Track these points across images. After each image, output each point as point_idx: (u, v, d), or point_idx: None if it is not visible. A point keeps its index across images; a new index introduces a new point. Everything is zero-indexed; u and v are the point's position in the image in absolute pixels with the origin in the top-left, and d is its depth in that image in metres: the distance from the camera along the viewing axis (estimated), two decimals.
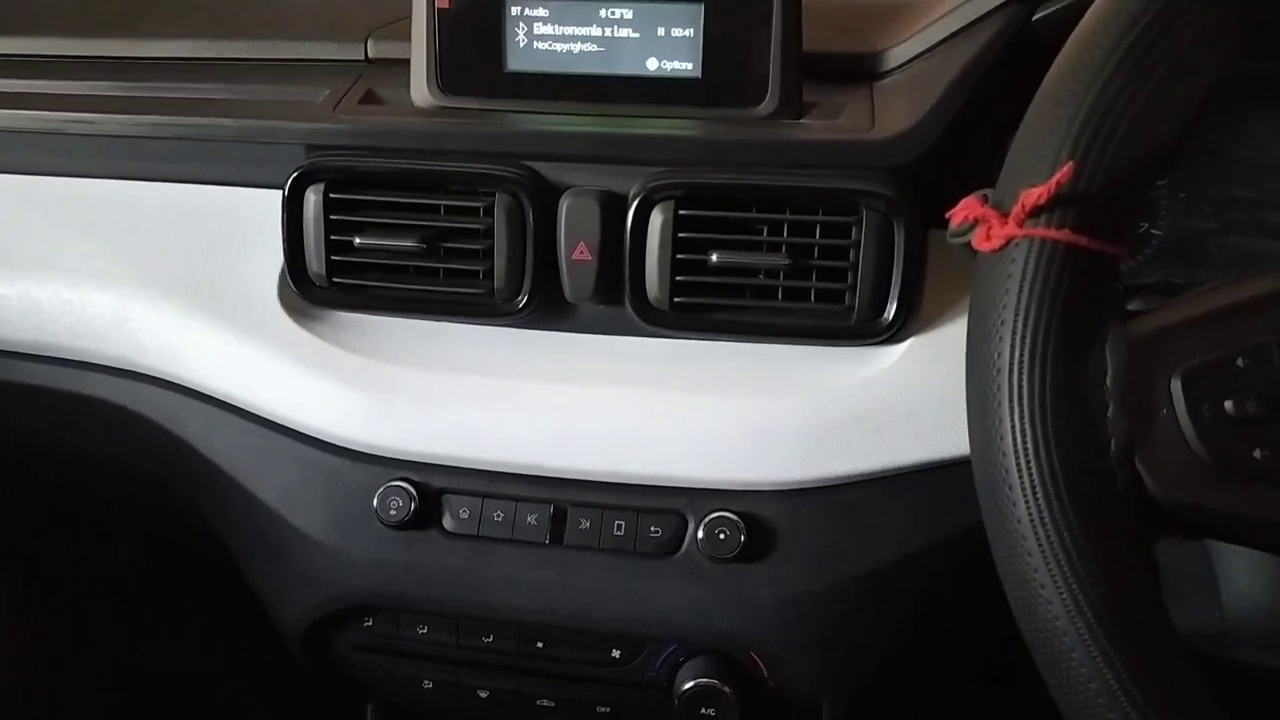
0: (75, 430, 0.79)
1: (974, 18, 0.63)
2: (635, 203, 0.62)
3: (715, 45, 0.62)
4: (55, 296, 0.70)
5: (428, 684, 0.74)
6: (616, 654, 0.69)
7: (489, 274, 0.64)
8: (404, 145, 0.64)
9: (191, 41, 0.74)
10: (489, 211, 0.63)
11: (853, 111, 0.63)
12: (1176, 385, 0.41)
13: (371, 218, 0.65)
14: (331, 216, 0.65)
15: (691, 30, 0.62)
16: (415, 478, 0.66)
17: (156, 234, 0.70)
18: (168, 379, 0.70)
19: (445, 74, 0.65)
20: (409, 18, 0.65)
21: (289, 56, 0.73)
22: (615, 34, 0.63)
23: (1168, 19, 0.41)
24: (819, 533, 0.63)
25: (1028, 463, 0.41)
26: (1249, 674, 0.80)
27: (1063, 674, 0.41)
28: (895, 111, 0.61)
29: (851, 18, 0.71)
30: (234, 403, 0.68)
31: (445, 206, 0.64)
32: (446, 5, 0.64)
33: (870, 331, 0.62)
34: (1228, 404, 0.41)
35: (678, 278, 0.62)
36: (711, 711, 0.68)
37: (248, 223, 0.69)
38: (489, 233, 0.64)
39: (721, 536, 0.63)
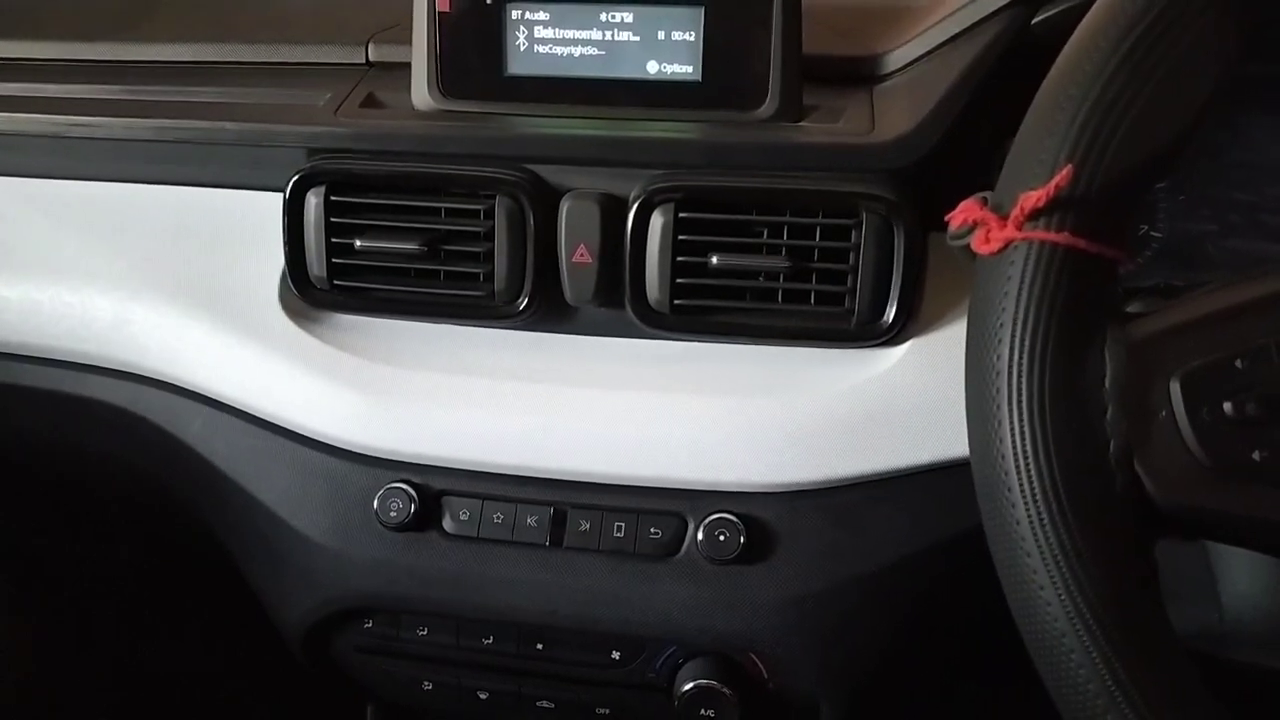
0: (76, 432, 0.79)
1: (973, 21, 0.63)
2: (635, 205, 0.62)
3: (715, 48, 0.62)
4: (57, 299, 0.71)
5: (428, 685, 0.74)
6: (616, 655, 0.69)
7: (489, 276, 0.64)
8: (405, 148, 0.65)
9: (193, 45, 0.74)
10: (490, 214, 0.64)
11: (852, 115, 0.63)
12: (1175, 387, 0.41)
13: (372, 220, 0.65)
14: (332, 219, 0.65)
15: (692, 33, 0.62)
16: (415, 479, 0.66)
17: (158, 237, 0.71)
18: (169, 381, 0.70)
19: (446, 77, 0.65)
20: (410, 21, 0.65)
21: (290, 60, 0.73)
22: (615, 37, 0.63)
23: (1167, 22, 0.41)
24: (818, 534, 0.63)
25: (1027, 465, 0.41)
26: (1248, 675, 0.81)
27: (1061, 675, 0.41)
28: (895, 115, 0.61)
29: (851, 21, 0.71)
30: (235, 405, 0.68)
31: (446, 209, 0.64)
32: (447, 9, 0.64)
33: (870, 334, 0.62)
34: (1227, 406, 0.41)
35: (678, 280, 0.62)
36: (711, 713, 0.68)
37: (249, 225, 0.69)
38: (489, 235, 0.64)
39: (721, 538, 0.63)
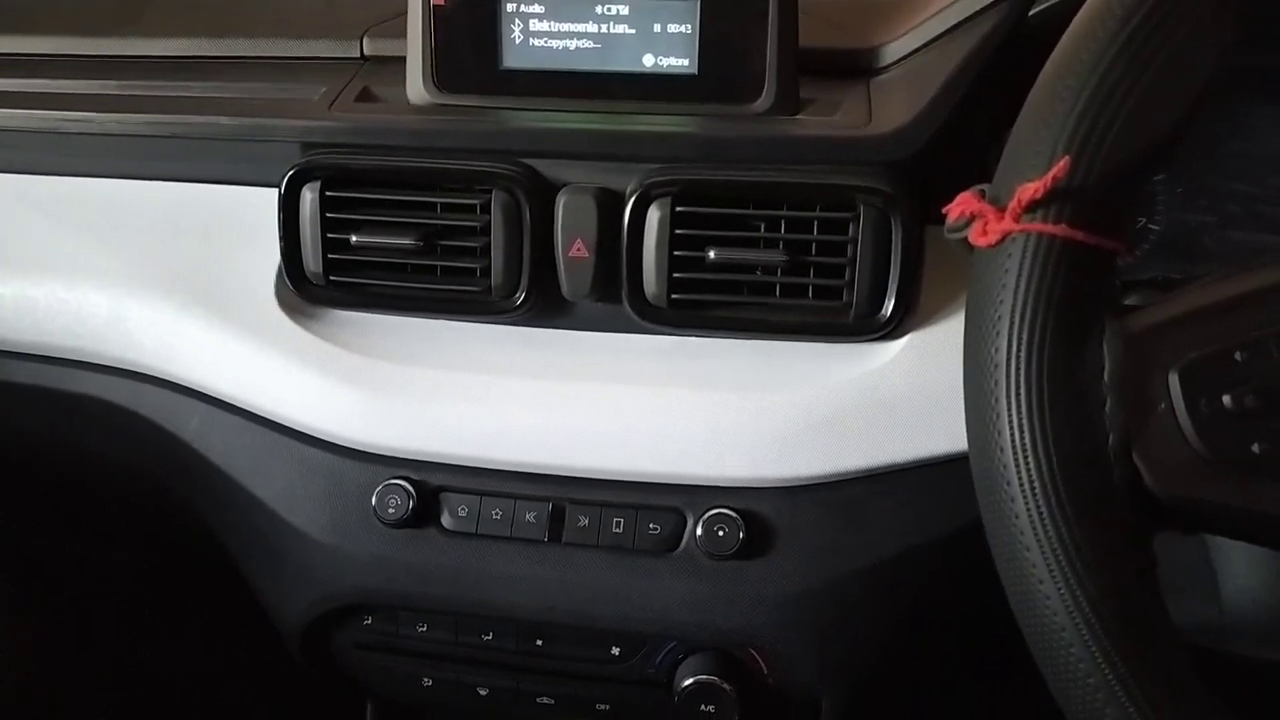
0: (73, 429, 0.79)
1: (970, 13, 0.63)
2: (632, 200, 0.62)
3: (711, 42, 0.62)
4: (52, 296, 0.70)
5: (427, 682, 0.74)
6: (616, 651, 0.69)
7: (486, 271, 0.64)
8: (400, 143, 0.64)
9: (187, 40, 0.74)
10: (486, 209, 0.63)
11: (849, 107, 0.63)
12: (1174, 380, 0.41)
13: (368, 215, 0.65)
14: (328, 214, 0.65)
15: (688, 26, 0.62)
16: (413, 476, 0.66)
17: (153, 233, 0.70)
18: (165, 378, 0.70)
19: (441, 71, 0.65)
20: (405, 15, 0.64)
21: (285, 54, 0.73)
22: (611, 30, 0.63)
23: (1163, 11, 0.41)
24: (818, 529, 0.63)
25: (1025, 458, 0.41)
26: (1247, 668, 0.81)
27: (1061, 669, 0.41)
28: (892, 107, 0.61)
29: (847, 14, 0.70)
30: (231, 401, 0.68)
31: (442, 204, 0.64)
32: (442, 2, 0.63)
33: (868, 328, 0.62)
34: (1226, 398, 0.41)
35: (675, 274, 0.62)
36: (711, 708, 0.68)
37: (244, 221, 0.69)
38: (486, 230, 0.64)
39: (720, 533, 0.63)
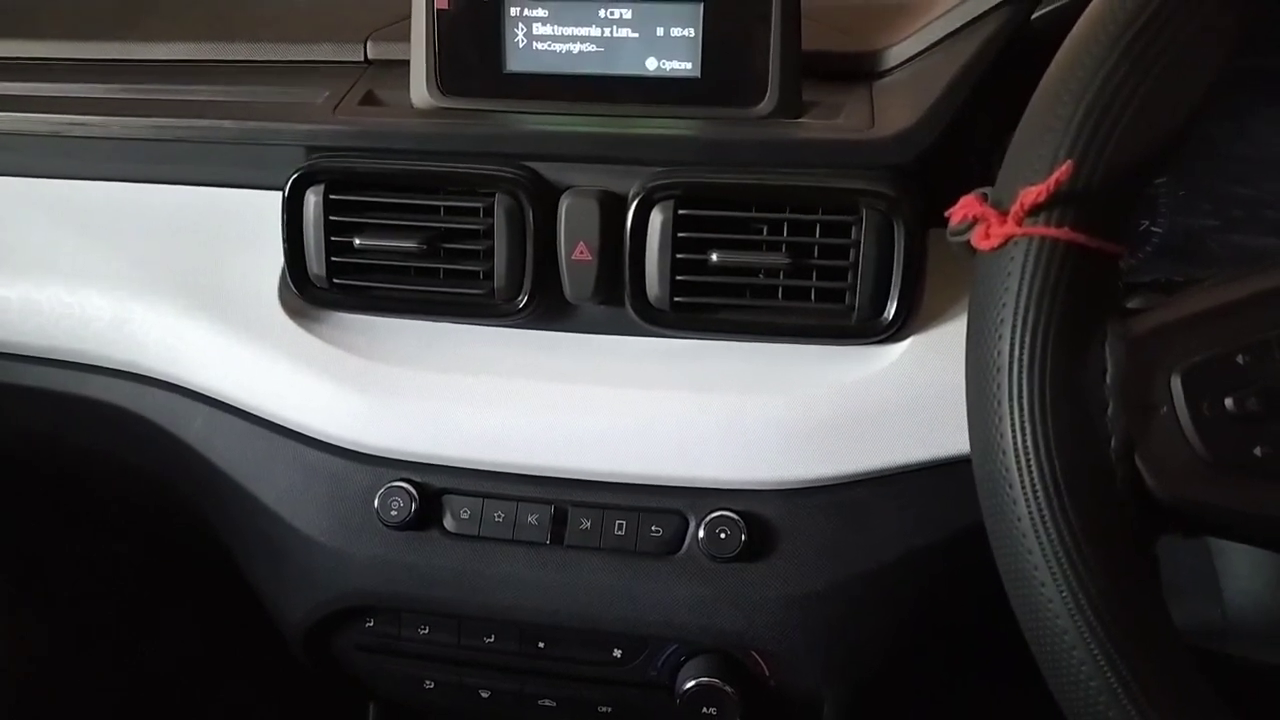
0: (77, 431, 0.79)
1: (973, 16, 0.63)
2: (635, 203, 0.62)
3: (714, 45, 0.62)
4: (56, 299, 0.71)
5: (429, 684, 0.74)
6: (618, 654, 0.69)
7: (489, 274, 0.64)
8: (404, 146, 0.64)
9: (191, 44, 0.74)
10: (489, 212, 0.63)
11: (852, 110, 0.63)
12: (1176, 383, 0.41)
13: (371, 219, 0.65)
14: (331, 217, 0.65)
15: (691, 30, 0.62)
16: (416, 478, 0.66)
17: (157, 236, 0.71)
18: (169, 380, 0.70)
19: (445, 75, 0.65)
20: (408, 19, 0.65)
21: (289, 58, 0.73)
22: (614, 34, 0.63)
23: (1166, 15, 0.41)
24: (820, 532, 0.63)
25: (1027, 461, 0.41)
26: (1250, 670, 0.80)
27: (1063, 671, 0.41)
28: (895, 110, 0.61)
29: (850, 17, 0.71)
30: (235, 404, 0.68)
31: (445, 207, 0.64)
32: (446, 6, 0.64)
33: (870, 330, 0.62)
34: (1228, 401, 0.41)
35: (678, 277, 0.62)
36: (713, 711, 0.68)
37: (248, 224, 0.69)
38: (489, 233, 0.64)
39: (722, 536, 0.63)
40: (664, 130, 0.63)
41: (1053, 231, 0.41)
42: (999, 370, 0.42)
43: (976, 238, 0.43)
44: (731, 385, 0.63)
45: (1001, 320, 0.42)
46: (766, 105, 0.62)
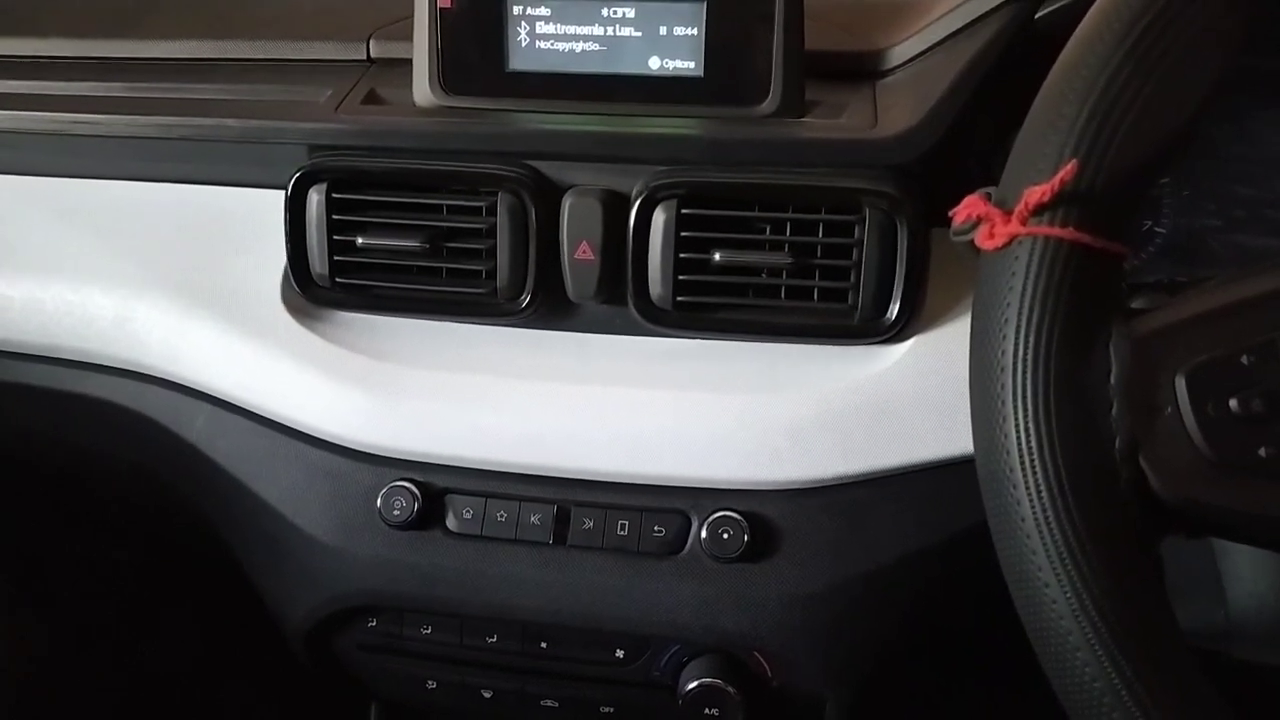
0: (79, 430, 0.79)
1: (976, 15, 0.63)
2: (638, 202, 0.62)
3: (717, 44, 0.62)
4: (59, 297, 0.71)
5: (432, 684, 0.74)
6: (620, 654, 0.69)
7: (492, 274, 0.64)
8: (406, 145, 0.64)
9: (194, 42, 0.74)
10: (491, 211, 0.63)
11: (855, 110, 0.63)
12: (1181, 383, 0.41)
13: (374, 218, 0.65)
14: (334, 216, 0.65)
15: (694, 29, 0.62)
16: (419, 478, 0.66)
17: (160, 234, 0.71)
18: (171, 379, 0.70)
19: (447, 74, 0.65)
20: (411, 18, 0.65)
21: (292, 57, 0.73)
22: (617, 33, 0.63)
23: (1171, 14, 0.41)
24: (823, 532, 0.63)
25: (1031, 461, 0.41)
26: (1254, 672, 0.80)
27: (1067, 672, 0.41)
28: (898, 110, 0.61)
29: (853, 16, 0.70)
30: (237, 403, 0.68)
31: (448, 206, 0.64)
32: (448, 5, 0.64)
33: (873, 330, 0.62)
34: (1232, 402, 0.41)
35: (680, 277, 0.62)
36: (715, 711, 0.68)
37: (250, 223, 0.69)
38: (491, 232, 0.64)
39: (725, 536, 0.63)
40: (667, 129, 0.63)
41: (1057, 231, 0.41)
42: (1003, 370, 0.42)
43: (980, 237, 0.43)
44: (734, 385, 0.63)
45: (1005, 320, 0.42)
46: (769, 104, 0.62)
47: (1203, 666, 0.41)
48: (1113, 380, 0.41)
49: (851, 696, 0.68)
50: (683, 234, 0.61)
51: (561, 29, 0.63)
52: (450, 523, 0.66)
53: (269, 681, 1.06)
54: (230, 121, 0.67)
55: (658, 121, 0.63)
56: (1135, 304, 0.44)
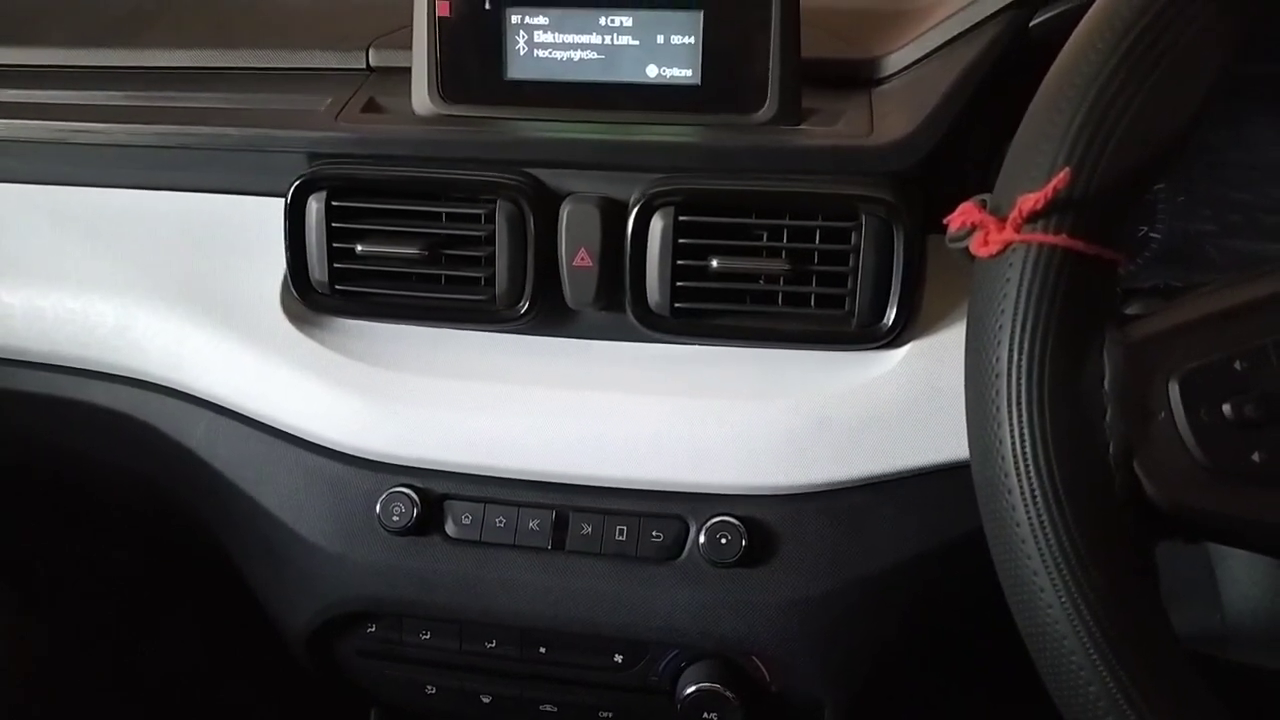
0: (79, 437, 0.79)
1: (971, 24, 0.63)
2: (635, 209, 0.62)
3: (715, 52, 0.63)
4: (59, 305, 0.71)
5: (431, 689, 0.74)
6: (619, 659, 0.69)
7: (490, 281, 0.64)
8: (405, 153, 0.65)
9: (195, 51, 0.74)
10: (490, 218, 0.64)
11: (851, 117, 0.63)
12: (1174, 388, 0.41)
13: (373, 225, 0.65)
14: (333, 224, 0.65)
15: (691, 37, 0.63)
16: (417, 484, 0.66)
17: (160, 242, 0.71)
18: (171, 386, 0.70)
19: (446, 82, 0.65)
20: (410, 26, 0.65)
21: (291, 66, 0.73)
22: (615, 41, 0.63)
23: (1164, 22, 0.41)
24: (820, 537, 0.63)
25: (1026, 467, 0.41)
26: (1249, 676, 0.80)
27: (1063, 677, 0.41)
28: (894, 117, 0.62)
29: (850, 24, 0.71)
30: (237, 409, 0.69)
31: (447, 214, 0.65)
32: (447, 14, 0.64)
33: (870, 336, 0.62)
34: (1226, 407, 0.41)
35: (678, 283, 0.62)
36: (714, 716, 0.68)
37: (250, 231, 0.69)
38: (490, 240, 0.64)
39: (723, 541, 0.63)
40: (664, 137, 0.63)
41: (1051, 238, 0.41)
42: (998, 376, 0.42)
43: (975, 244, 0.43)
44: (732, 391, 0.63)
45: (1000, 326, 0.42)
46: (766, 112, 0.63)
47: (1198, 670, 0.42)
48: (1107, 386, 0.41)
49: (849, 701, 0.68)
50: (680, 241, 0.62)
51: (559, 38, 0.64)
52: (449, 528, 0.66)
53: (269, 683, 1.06)
54: (230, 130, 0.67)
55: (655, 129, 0.63)
56: (1130, 309, 0.44)
